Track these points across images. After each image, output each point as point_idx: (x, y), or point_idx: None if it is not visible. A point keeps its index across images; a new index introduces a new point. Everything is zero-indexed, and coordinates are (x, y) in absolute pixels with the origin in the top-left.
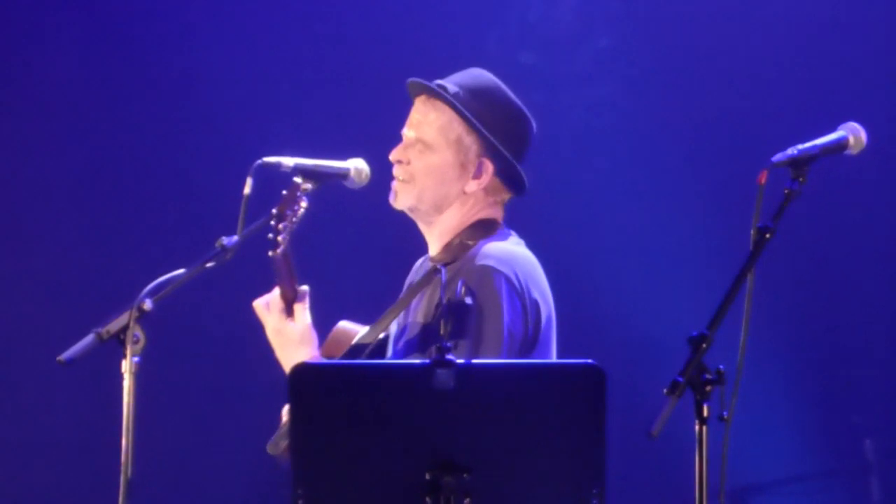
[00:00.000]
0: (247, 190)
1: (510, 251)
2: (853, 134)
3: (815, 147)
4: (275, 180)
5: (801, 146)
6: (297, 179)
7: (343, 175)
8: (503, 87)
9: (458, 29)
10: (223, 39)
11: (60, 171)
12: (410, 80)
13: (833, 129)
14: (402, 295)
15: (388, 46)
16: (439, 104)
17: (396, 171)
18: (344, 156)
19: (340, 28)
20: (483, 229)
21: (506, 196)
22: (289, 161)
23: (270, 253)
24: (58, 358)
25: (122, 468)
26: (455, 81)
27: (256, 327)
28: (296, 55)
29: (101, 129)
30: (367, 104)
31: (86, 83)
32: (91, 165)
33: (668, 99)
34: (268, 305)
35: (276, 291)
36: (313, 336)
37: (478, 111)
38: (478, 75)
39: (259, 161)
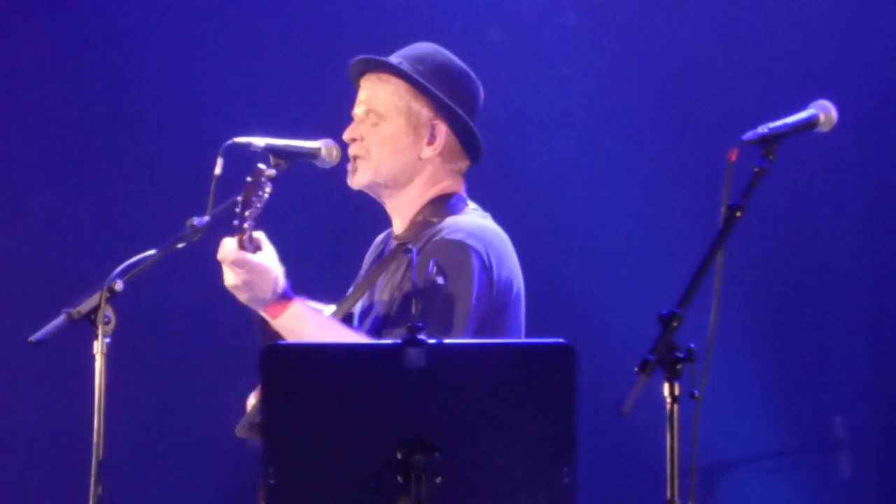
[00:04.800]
0: (217, 170)
1: (480, 226)
2: (824, 112)
3: (785, 125)
4: (245, 160)
5: (771, 124)
6: (261, 165)
7: (314, 154)
8: (445, 51)
9: (425, 5)
10: (194, 19)
11: (29, 153)
12: (351, 62)
13: (804, 106)
14: (365, 273)
15: (355, 25)
16: (384, 76)
17: (351, 149)
18: (312, 137)
19: (307, 7)
20: (446, 205)
21: (463, 165)
22: (259, 141)
23: (236, 237)
24: (29, 338)
25: (94, 449)
26: (397, 54)
27: (226, 307)
28: (265, 36)
29: (70, 110)
30: (334, 84)
31: (54, 64)
32: (61, 146)
33: (636, 78)
34: (234, 255)
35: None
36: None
37: (423, 74)
38: (419, 45)
39: (229, 141)
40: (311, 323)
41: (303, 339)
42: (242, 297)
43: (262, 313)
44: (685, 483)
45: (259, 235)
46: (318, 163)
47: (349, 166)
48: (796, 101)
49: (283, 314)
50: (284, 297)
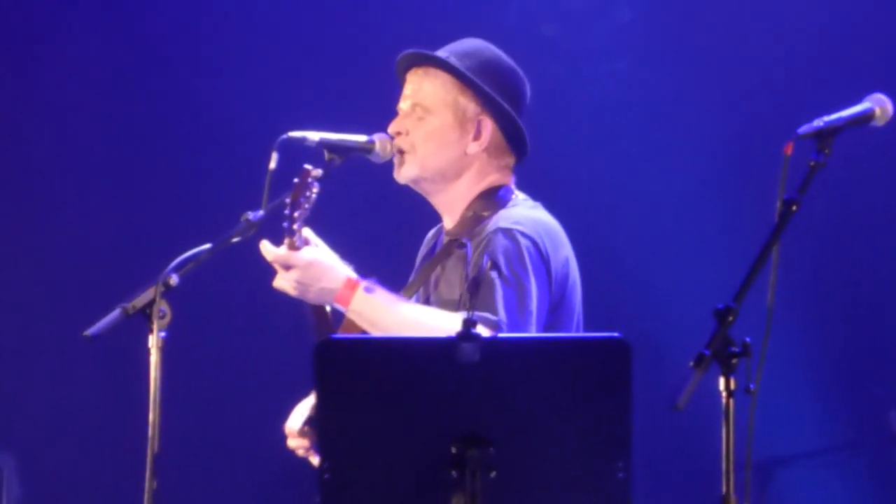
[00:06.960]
0: (272, 164)
1: (532, 217)
2: (879, 105)
3: (840, 119)
4: (299, 155)
5: (826, 118)
6: (308, 166)
7: (368, 149)
8: (492, 47)
9: (479, 0)
10: (249, 15)
11: (86, 148)
12: (398, 58)
13: (859, 100)
14: (419, 269)
15: (409, 20)
16: (431, 70)
17: (397, 143)
18: (366, 132)
19: (358, 1)
20: (496, 198)
21: (509, 160)
22: (314, 135)
23: (286, 240)
24: (84, 333)
25: (149, 442)
26: (444, 49)
27: (282, 301)
28: (318, 31)
29: (127, 103)
30: (386, 80)
31: (113, 57)
32: (118, 140)
33: (690, 72)
34: (282, 257)
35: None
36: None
37: (471, 69)
38: (466, 40)
39: (284, 136)
40: (381, 304)
41: (378, 324)
42: (306, 296)
43: (336, 306)
44: (740, 478)
45: (306, 232)
46: (371, 157)
47: (395, 160)
48: (852, 94)
49: (353, 299)
50: (349, 283)
